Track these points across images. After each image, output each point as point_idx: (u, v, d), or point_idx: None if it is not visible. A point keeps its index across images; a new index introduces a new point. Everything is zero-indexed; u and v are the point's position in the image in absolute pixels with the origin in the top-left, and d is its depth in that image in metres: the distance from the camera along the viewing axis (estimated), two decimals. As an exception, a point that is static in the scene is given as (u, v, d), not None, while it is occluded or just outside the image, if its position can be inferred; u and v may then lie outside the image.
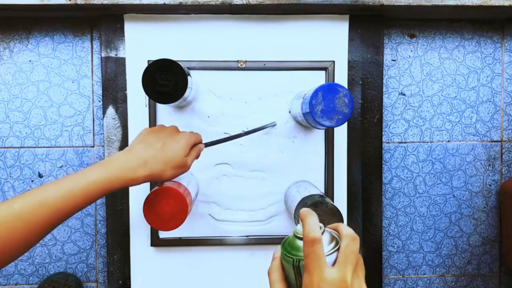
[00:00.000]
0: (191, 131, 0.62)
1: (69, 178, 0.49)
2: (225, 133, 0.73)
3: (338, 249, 0.37)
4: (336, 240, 0.39)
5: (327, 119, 0.58)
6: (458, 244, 0.80)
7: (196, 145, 0.61)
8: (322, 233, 0.38)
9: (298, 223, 0.57)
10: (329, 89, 0.58)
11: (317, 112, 0.58)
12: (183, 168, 0.57)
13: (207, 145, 0.65)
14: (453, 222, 0.80)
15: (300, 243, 0.38)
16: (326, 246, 0.37)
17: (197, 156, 0.62)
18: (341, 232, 0.39)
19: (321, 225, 0.38)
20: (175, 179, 0.63)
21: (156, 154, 0.54)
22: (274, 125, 0.73)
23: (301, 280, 0.37)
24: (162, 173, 0.54)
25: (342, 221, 0.59)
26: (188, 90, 0.59)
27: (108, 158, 0.53)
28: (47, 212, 0.46)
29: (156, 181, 0.57)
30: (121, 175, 0.51)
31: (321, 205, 0.58)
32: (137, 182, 0.53)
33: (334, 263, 0.37)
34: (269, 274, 0.39)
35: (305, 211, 0.39)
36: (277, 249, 0.40)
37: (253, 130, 0.69)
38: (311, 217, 0.37)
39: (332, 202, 0.59)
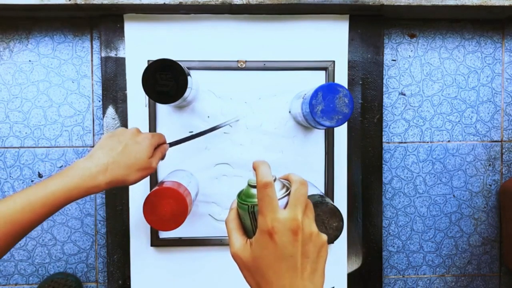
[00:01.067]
0: (154, 132, 0.60)
1: (28, 190, 0.48)
2: (225, 133, 0.73)
3: (288, 194, 0.40)
4: (286, 187, 0.41)
5: (327, 119, 0.58)
6: (458, 244, 0.80)
7: (160, 146, 0.61)
8: (274, 181, 0.40)
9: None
10: (329, 89, 0.58)
11: (317, 112, 0.58)
12: (148, 170, 0.56)
13: (172, 144, 0.64)
14: (453, 222, 0.80)
15: (254, 191, 0.40)
16: (278, 192, 0.40)
17: (162, 157, 0.61)
18: (290, 179, 0.41)
19: (273, 174, 0.41)
20: (175, 179, 0.63)
21: (117, 158, 0.53)
22: (237, 120, 0.72)
23: (256, 224, 0.39)
24: (125, 178, 0.53)
25: (342, 221, 0.59)
26: (188, 90, 0.59)
27: (69, 166, 0.52)
28: (3, 226, 0.45)
29: (121, 186, 0.56)
30: (81, 184, 0.50)
31: (321, 205, 0.58)
32: (98, 189, 0.51)
33: (285, 207, 0.39)
34: (226, 224, 0.41)
35: (257, 161, 0.41)
36: (233, 201, 0.42)
37: (216, 127, 0.68)
38: (263, 165, 0.40)
39: (332, 202, 0.59)
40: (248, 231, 0.41)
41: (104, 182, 0.51)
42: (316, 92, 0.58)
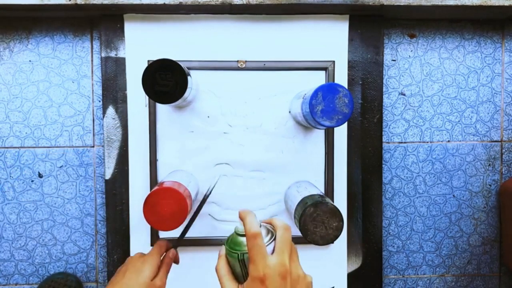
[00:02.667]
0: (156, 244, 0.61)
1: None
2: (225, 133, 0.73)
3: (274, 240, 0.43)
4: (271, 232, 0.44)
5: (327, 119, 0.58)
6: (458, 244, 0.80)
7: (165, 258, 0.61)
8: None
9: (298, 221, 0.58)
10: (329, 89, 0.58)
11: (317, 112, 0.58)
12: None
13: (176, 246, 0.64)
14: (453, 222, 0.80)
15: (241, 239, 0.44)
16: (264, 238, 0.43)
17: (173, 263, 0.62)
18: (275, 225, 0.45)
19: (258, 221, 0.44)
20: (175, 179, 0.63)
21: None
22: (219, 178, 0.70)
23: (246, 271, 0.43)
24: None
25: (342, 221, 0.59)
26: (188, 90, 0.59)
27: None
28: None
29: None
30: None
31: (321, 205, 0.58)
32: None
33: (272, 252, 0.42)
34: (217, 271, 0.45)
35: (243, 211, 0.44)
36: (221, 248, 0.46)
37: (205, 198, 0.67)
38: (250, 216, 0.43)
39: (332, 202, 0.59)
40: (238, 276, 0.44)
41: None
42: (316, 92, 0.58)
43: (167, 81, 0.57)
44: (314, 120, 0.58)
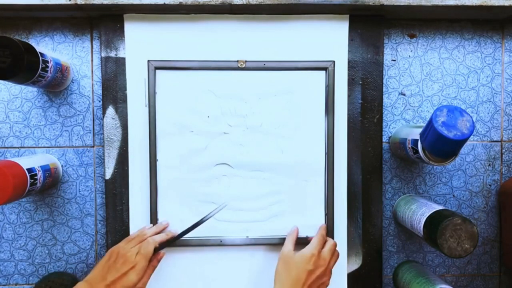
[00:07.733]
0: (146, 242, 0.67)
1: None
2: (225, 133, 0.73)
3: None
4: None
5: (446, 130, 0.57)
6: (458, 244, 0.80)
7: (153, 261, 0.67)
8: None
9: (430, 221, 0.63)
10: (454, 110, 0.57)
11: (438, 121, 0.57)
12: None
13: (166, 245, 0.69)
14: (453, 222, 0.80)
15: None
16: None
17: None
18: None
19: None
20: (21, 160, 0.66)
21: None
22: (225, 205, 0.71)
23: None
24: None
25: (474, 247, 0.61)
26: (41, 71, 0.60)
27: None
28: None
29: None
30: None
31: (468, 223, 0.61)
32: None
33: None
34: None
35: None
36: None
37: (203, 219, 0.70)
38: None
39: (477, 227, 0.62)
40: None
41: None
42: (441, 107, 0.58)
43: (4, 58, 0.59)
44: (434, 130, 0.57)
